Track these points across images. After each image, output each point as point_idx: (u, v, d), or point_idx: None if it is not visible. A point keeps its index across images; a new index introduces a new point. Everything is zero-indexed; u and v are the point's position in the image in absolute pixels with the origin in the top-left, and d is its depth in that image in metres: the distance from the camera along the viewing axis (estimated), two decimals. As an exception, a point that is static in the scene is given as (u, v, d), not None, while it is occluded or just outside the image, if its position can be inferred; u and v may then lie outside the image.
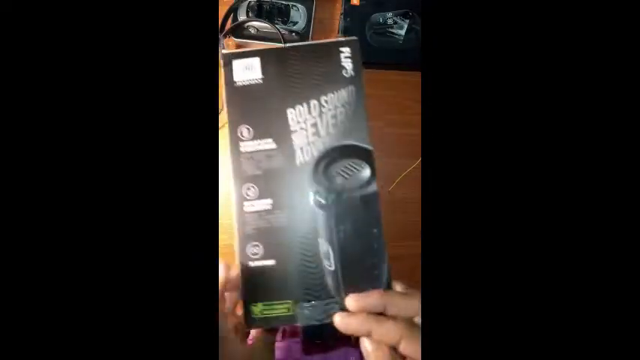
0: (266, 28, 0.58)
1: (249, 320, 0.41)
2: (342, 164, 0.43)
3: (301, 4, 0.60)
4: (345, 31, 0.58)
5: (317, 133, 0.43)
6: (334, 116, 0.43)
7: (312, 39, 0.59)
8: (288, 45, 0.45)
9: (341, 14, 0.59)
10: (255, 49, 0.46)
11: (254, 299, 0.41)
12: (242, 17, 0.59)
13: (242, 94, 0.44)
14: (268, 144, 0.43)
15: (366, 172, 0.42)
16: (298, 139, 0.43)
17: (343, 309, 0.40)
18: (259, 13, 0.59)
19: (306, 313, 0.41)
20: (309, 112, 0.43)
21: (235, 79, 0.44)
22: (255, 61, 0.44)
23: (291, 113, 0.43)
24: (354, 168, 0.43)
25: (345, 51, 0.45)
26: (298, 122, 0.43)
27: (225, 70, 0.44)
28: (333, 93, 0.44)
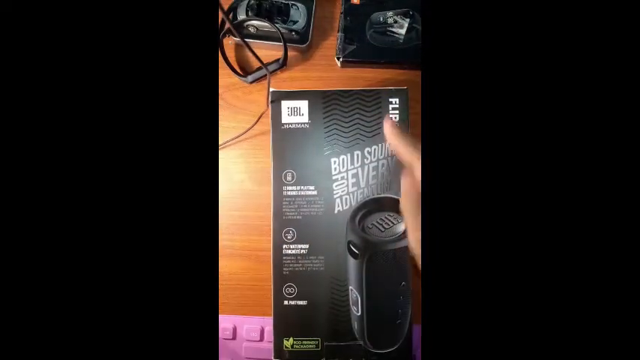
0: (266, 27, 0.56)
1: (279, 353, 0.45)
2: (378, 216, 0.45)
3: (301, 3, 0.57)
4: (346, 30, 0.56)
5: (357, 184, 0.44)
6: (375, 168, 0.44)
7: (312, 38, 0.57)
8: (337, 90, 0.44)
9: (341, 13, 0.57)
10: (303, 90, 0.45)
11: (286, 334, 0.45)
12: (241, 16, 0.57)
13: (288, 136, 0.45)
14: (310, 191, 0.44)
15: (401, 227, 0.45)
16: (338, 189, 0.44)
17: (366, 351, 0.45)
18: (259, 12, 0.57)
19: (332, 352, 0.45)
20: (352, 163, 0.44)
21: (283, 120, 0.44)
22: (303, 104, 0.44)
23: (334, 163, 0.44)
24: (390, 221, 0.45)
25: (394, 101, 0.45)
26: (340, 172, 0.44)
27: (272, 110, 0.44)
28: (377, 145, 0.44)
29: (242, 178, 0.58)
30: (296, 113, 0.44)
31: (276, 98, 0.44)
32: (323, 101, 0.44)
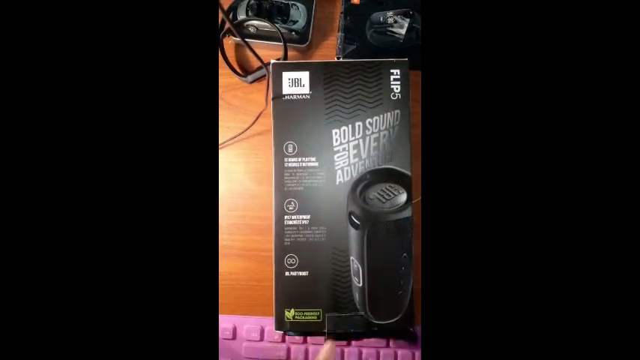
0: (266, 27, 0.57)
1: (281, 324, 0.45)
2: (379, 187, 0.45)
3: (301, 3, 0.58)
4: (346, 30, 0.57)
5: (358, 155, 0.45)
6: (377, 139, 0.45)
7: (312, 38, 0.58)
8: (339, 60, 0.45)
9: (341, 13, 0.58)
10: (305, 61, 0.46)
11: (288, 305, 0.44)
12: (241, 16, 0.58)
13: (289, 108, 0.45)
14: (311, 162, 0.45)
15: (402, 198, 0.45)
16: (340, 160, 0.44)
17: (367, 322, 0.44)
18: (259, 12, 0.58)
19: (333, 323, 0.44)
20: (353, 134, 0.45)
21: (284, 91, 0.45)
22: (305, 76, 0.45)
23: (335, 134, 0.45)
24: (391, 192, 0.45)
25: (395, 72, 0.45)
26: (341, 143, 0.45)
27: (274, 82, 0.45)
28: (378, 116, 0.45)
29: (242, 177, 0.58)
30: (297, 84, 0.45)
31: (278, 70, 0.45)
32: (324, 72, 0.45)
